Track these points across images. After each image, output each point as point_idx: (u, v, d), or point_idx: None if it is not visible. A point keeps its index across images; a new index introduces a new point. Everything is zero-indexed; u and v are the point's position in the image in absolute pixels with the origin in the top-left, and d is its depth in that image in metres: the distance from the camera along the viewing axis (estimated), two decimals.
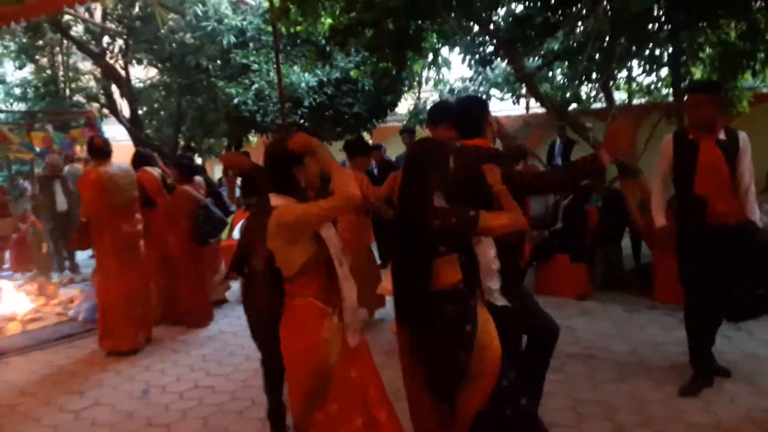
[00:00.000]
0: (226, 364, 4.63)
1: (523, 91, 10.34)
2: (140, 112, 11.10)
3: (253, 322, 3.45)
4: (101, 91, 11.01)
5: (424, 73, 11.60)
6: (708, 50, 8.39)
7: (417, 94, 12.64)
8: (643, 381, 3.83)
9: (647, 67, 8.77)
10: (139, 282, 5.09)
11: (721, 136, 3.51)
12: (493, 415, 2.27)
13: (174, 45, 9.03)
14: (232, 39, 8.67)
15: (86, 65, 11.50)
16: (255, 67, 8.55)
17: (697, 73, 9.20)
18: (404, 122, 11.41)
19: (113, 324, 4.92)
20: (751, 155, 3.52)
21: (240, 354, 4.83)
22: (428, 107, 11.32)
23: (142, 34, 9.39)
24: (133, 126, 10.51)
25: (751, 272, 3.48)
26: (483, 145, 2.78)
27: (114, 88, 10.79)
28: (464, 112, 2.91)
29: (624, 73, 9.69)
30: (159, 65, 10.27)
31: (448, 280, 2.29)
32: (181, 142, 11.08)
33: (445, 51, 9.56)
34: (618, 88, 10.48)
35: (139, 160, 5.67)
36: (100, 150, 4.97)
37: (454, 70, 12.71)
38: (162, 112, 11.28)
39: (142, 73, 11.54)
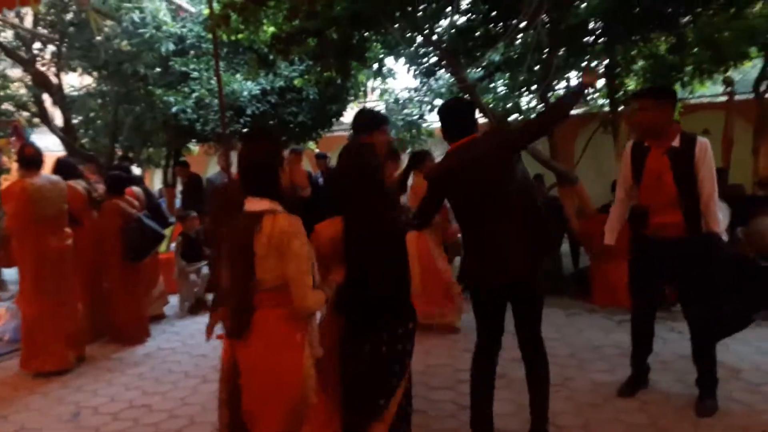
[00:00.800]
0: (163, 381, 4.46)
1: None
2: (75, 121, 10.66)
3: None
4: (32, 99, 10.50)
5: (370, 83, 11.65)
6: (640, 62, 8.77)
7: (363, 104, 12.67)
8: (583, 383, 3.91)
9: None
10: (67, 298, 4.82)
11: (675, 143, 3.36)
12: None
13: (110, 52, 8.71)
14: (171, 46, 8.44)
15: (16, 72, 10.95)
16: (195, 74, 8.35)
17: (631, 84, 9.59)
18: (350, 132, 11.40)
19: (39, 343, 4.65)
20: (711, 160, 3.30)
21: (178, 371, 4.67)
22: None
23: (76, 40, 9.02)
24: (67, 135, 10.07)
25: (714, 289, 3.28)
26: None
27: (46, 96, 10.32)
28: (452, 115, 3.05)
29: (563, 84, 10.01)
30: (94, 73, 9.90)
31: None
32: (119, 152, 10.71)
33: (389, 61, 9.64)
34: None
35: (62, 171, 5.31)
36: (31, 160, 4.72)
37: (399, 80, 12.83)
38: (98, 121, 10.86)
39: (76, 81, 11.09)
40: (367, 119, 3.41)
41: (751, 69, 9.62)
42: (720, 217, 3.30)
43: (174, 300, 6.60)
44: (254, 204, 2.22)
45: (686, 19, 6.51)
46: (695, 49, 7.38)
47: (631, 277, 3.75)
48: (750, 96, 9.05)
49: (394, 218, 2.49)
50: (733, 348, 4.21)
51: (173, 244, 6.83)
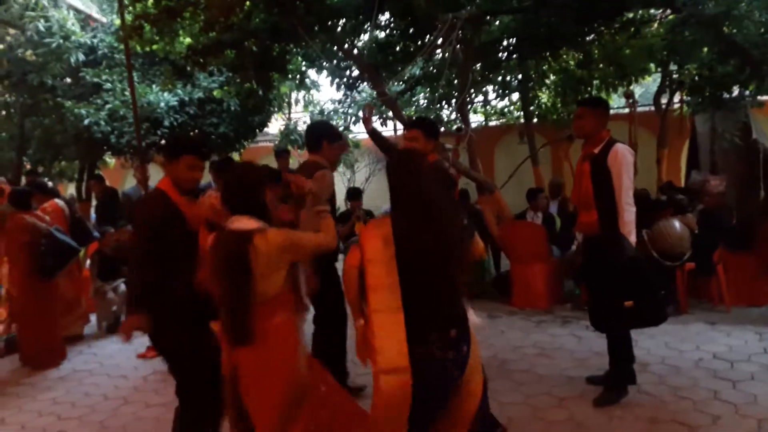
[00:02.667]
0: (80, 405, 4.22)
1: (391, 114, 10.72)
2: None
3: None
4: None
5: (293, 95, 11.64)
6: (552, 77, 9.25)
7: (287, 115, 12.62)
8: (503, 383, 4.03)
9: (500, 91, 9.49)
10: None
11: (596, 150, 3.54)
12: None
13: (13, 62, 8.24)
14: (82, 57, 8.09)
15: None
16: (108, 86, 8.03)
17: (544, 97, 10.11)
18: (276, 142, 11.31)
19: None
20: (626, 168, 3.41)
21: (96, 394, 4.44)
22: (299, 128, 11.35)
23: None
24: None
25: (615, 287, 3.46)
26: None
27: None
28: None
29: (481, 98, 10.39)
30: None
31: None
32: (27, 166, 10.12)
33: (312, 73, 9.68)
34: (475, 112, 11.22)
35: None
36: None
37: (324, 91, 12.88)
38: (2, 134, 10.24)
39: None
40: (315, 135, 3.60)
41: (651, 83, 10.38)
42: (628, 220, 3.41)
43: (94, 319, 6.28)
44: (241, 222, 2.29)
45: (591, 37, 6.94)
46: (601, 65, 7.87)
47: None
48: (651, 108, 9.74)
49: (441, 227, 2.29)
50: (641, 343, 4.49)
51: (88, 262, 6.51)
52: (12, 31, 8.24)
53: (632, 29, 6.88)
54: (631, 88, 8.75)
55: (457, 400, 2.35)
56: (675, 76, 8.51)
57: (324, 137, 3.69)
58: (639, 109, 10.28)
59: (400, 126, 11.81)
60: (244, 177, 2.40)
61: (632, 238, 3.42)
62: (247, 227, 2.27)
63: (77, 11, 8.51)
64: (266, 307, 2.29)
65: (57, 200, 5.83)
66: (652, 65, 8.19)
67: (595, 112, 3.60)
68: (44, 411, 4.17)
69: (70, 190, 12.11)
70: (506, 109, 11.16)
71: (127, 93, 7.62)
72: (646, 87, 11.71)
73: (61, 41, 7.90)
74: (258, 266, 2.22)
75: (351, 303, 2.41)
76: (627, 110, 8.42)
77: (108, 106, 7.88)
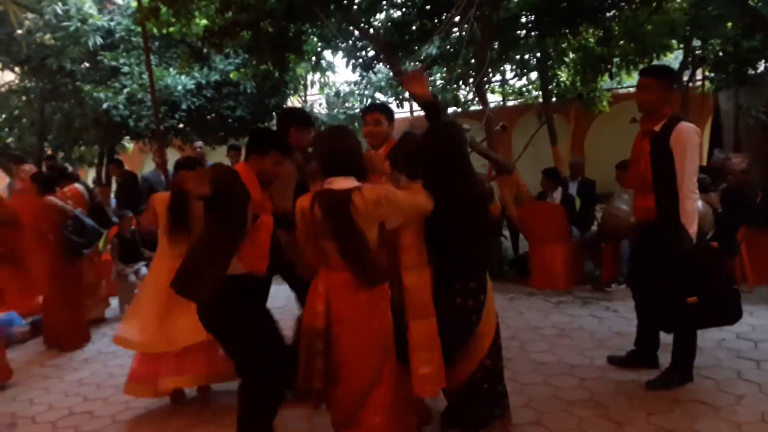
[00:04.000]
0: (105, 386, 4.32)
1: (407, 94, 10.62)
2: None
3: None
4: None
5: (309, 76, 11.58)
6: (571, 55, 9.08)
7: (303, 97, 12.58)
8: (524, 363, 4.04)
9: (518, 70, 9.35)
10: None
11: (657, 127, 3.27)
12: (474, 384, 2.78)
13: (32, 46, 8.28)
14: (99, 40, 8.11)
15: None
16: (126, 69, 8.06)
17: (563, 75, 9.93)
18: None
19: None
20: (690, 150, 3.14)
21: (120, 375, 4.50)
22: (315, 110, 11.33)
23: None
24: None
25: (675, 281, 3.25)
26: None
27: None
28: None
29: (498, 77, 10.25)
30: (16, 68, 9.40)
31: None
32: (48, 151, 10.23)
33: (328, 54, 9.61)
34: (493, 91, 11.08)
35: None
36: None
37: (339, 73, 12.81)
38: (23, 120, 10.33)
39: None
40: (283, 122, 3.54)
41: (673, 60, 10.14)
42: (689, 209, 3.14)
43: (115, 303, 6.39)
44: (340, 183, 2.48)
45: (612, 13, 6.79)
46: (621, 42, 7.70)
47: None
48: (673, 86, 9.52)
49: (473, 189, 2.77)
50: None
51: (109, 246, 6.60)
52: (30, 15, 8.26)
53: (654, 4, 6.69)
54: (655, 63, 8.58)
55: (473, 339, 2.78)
56: (698, 52, 8.31)
57: (292, 124, 3.56)
58: None
59: (416, 107, 11.73)
60: (341, 140, 2.59)
61: (693, 229, 3.13)
62: (346, 186, 2.45)
63: None
64: None
65: (77, 185, 5.92)
66: (674, 41, 7.98)
67: (661, 83, 3.30)
68: (70, 392, 4.27)
69: (91, 174, 12.23)
70: (524, 89, 10.99)
71: (144, 76, 7.64)
72: (667, 64, 11.49)
73: (79, 24, 7.92)
74: (361, 221, 2.41)
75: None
76: None
77: (126, 89, 7.91)
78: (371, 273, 2.47)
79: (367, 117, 3.46)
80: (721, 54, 7.23)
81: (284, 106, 10.46)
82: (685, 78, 9.30)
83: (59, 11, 7.91)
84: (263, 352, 2.79)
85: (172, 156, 7.54)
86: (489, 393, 2.84)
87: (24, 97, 9.94)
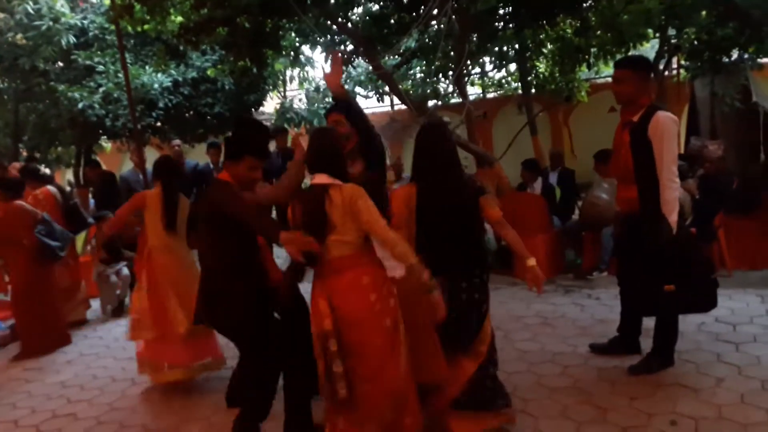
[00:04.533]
0: (89, 388, 4.27)
1: (386, 88, 10.62)
2: None
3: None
4: None
5: (288, 72, 11.51)
6: (549, 46, 9.14)
7: (283, 93, 12.51)
8: (507, 353, 4.06)
9: (497, 62, 9.39)
10: None
11: (636, 117, 3.26)
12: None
13: (4, 47, 8.13)
14: (72, 39, 7.99)
15: None
16: (101, 68, 7.95)
17: (541, 66, 9.99)
18: (272, 121, 11.25)
19: None
20: (668, 139, 3.13)
21: (104, 376, 4.48)
22: (295, 106, 11.27)
23: None
24: None
25: (655, 269, 3.26)
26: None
27: None
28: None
29: (477, 69, 10.28)
30: None
31: None
32: (23, 153, 10.06)
33: (306, 49, 9.55)
34: (473, 84, 11.12)
35: None
36: None
37: (318, 68, 12.76)
38: None
39: None
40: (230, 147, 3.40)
41: (649, 49, 10.25)
42: (669, 198, 3.14)
43: (96, 304, 6.31)
44: (320, 179, 2.57)
45: (588, 3, 6.84)
46: (598, 32, 7.76)
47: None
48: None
49: (462, 185, 2.83)
50: None
51: (89, 247, 6.51)
52: (0, 15, 8.11)
53: None
54: (630, 54, 8.65)
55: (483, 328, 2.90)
56: (673, 41, 8.41)
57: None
58: None
59: (396, 101, 11.74)
60: (327, 139, 2.69)
61: (673, 218, 3.14)
62: (325, 182, 2.55)
63: None
64: (348, 259, 2.53)
65: (49, 187, 5.80)
66: (650, 30, 8.06)
67: (636, 74, 3.29)
68: (53, 394, 4.21)
69: (68, 175, 12.06)
70: (503, 80, 11.04)
71: (120, 75, 7.54)
72: (644, 53, 11.60)
73: (51, 24, 7.79)
74: (336, 216, 2.48)
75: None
76: None
77: (101, 88, 7.81)
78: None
79: (329, 118, 3.36)
80: (696, 42, 7.33)
81: (263, 102, 10.41)
82: (661, 66, 9.41)
83: (30, 10, 7.78)
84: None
85: (151, 155, 7.45)
86: (495, 377, 2.95)
87: None
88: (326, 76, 3.33)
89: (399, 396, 2.57)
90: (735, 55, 7.18)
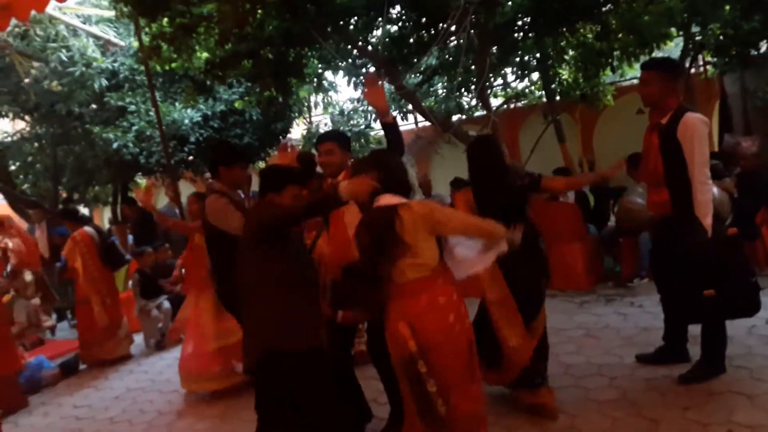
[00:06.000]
0: (137, 422, 4.36)
1: (410, 107, 10.67)
2: (12, 167, 10.31)
3: None
4: None
5: (312, 98, 11.67)
6: (571, 52, 9.07)
7: (308, 119, 12.68)
8: (553, 368, 3.98)
9: (519, 73, 9.36)
10: None
11: (665, 120, 3.24)
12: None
13: (40, 94, 8.46)
14: (104, 82, 8.26)
15: None
16: (132, 108, 8.19)
17: (564, 73, 9.92)
18: (300, 147, 11.41)
19: None
20: (698, 140, 3.10)
21: (151, 410, 4.57)
22: (321, 131, 11.41)
23: (2, 85, 8.72)
24: (5, 184, 9.74)
25: (693, 275, 3.22)
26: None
27: None
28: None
29: (500, 81, 10.27)
30: (26, 116, 9.60)
31: None
32: (63, 195, 10.39)
33: (329, 75, 9.68)
34: (496, 96, 11.09)
35: None
36: None
37: (342, 92, 12.91)
38: (37, 165, 10.52)
39: (8, 127, 10.73)
40: (212, 161, 3.64)
41: (673, 48, 10.09)
42: (702, 201, 3.10)
43: (139, 339, 6.45)
44: (387, 200, 2.56)
45: (608, 7, 6.79)
46: (620, 35, 7.69)
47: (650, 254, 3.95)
48: None
49: (508, 185, 3.32)
50: None
51: (131, 282, 6.67)
52: (36, 63, 8.45)
53: None
54: (654, 55, 8.53)
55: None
56: (698, 38, 8.27)
57: (219, 162, 3.62)
58: None
59: (421, 119, 11.77)
60: (390, 161, 2.75)
61: (708, 221, 3.09)
62: (393, 202, 2.54)
63: (96, 38, 8.68)
64: (435, 274, 2.52)
65: (86, 228, 6.00)
66: (673, 29, 7.95)
67: (662, 76, 3.27)
68: (103, 431, 4.31)
69: (107, 213, 12.40)
70: (527, 89, 10.97)
71: (151, 113, 7.77)
72: (668, 53, 11.42)
73: (84, 69, 8.07)
74: (407, 236, 2.44)
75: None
76: None
77: (134, 127, 8.03)
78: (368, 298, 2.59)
79: (320, 147, 3.34)
80: (721, 38, 7.19)
81: (290, 129, 10.57)
82: (687, 64, 9.25)
83: (64, 58, 8.08)
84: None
85: (185, 189, 7.62)
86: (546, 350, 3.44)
87: (36, 144, 10.13)
88: (369, 99, 3.35)
89: (478, 415, 2.58)
90: (763, 47, 7.02)
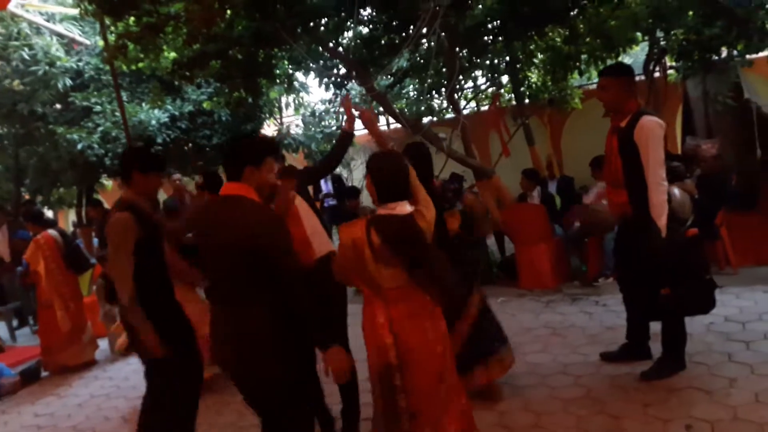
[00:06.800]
0: (101, 430, 4.27)
1: (381, 108, 10.68)
2: None
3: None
4: None
5: (283, 99, 11.61)
6: (540, 56, 9.21)
7: (279, 120, 12.61)
8: (518, 367, 4.01)
9: (489, 76, 9.46)
10: None
11: (623, 123, 3.32)
12: None
13: (2, 93, 8.24)
14: (69, 82, 8.10)
15: None
16: (98, 108, 8.03)
17: (533, 77, 10.06)
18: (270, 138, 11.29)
19: None
20: (653, 143, 3.20)
21: (115, 417, 4.48)
22: (292, 132, 11.36)
23: None
24: None
25: (651, 273, 3.33)
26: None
27: None
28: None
29: (470, 84, 10.36)
30: None
31: None
32: (26, 196, 10.13)
33: (300, 75, 9.64)
34: (466, 98, 11.19)
35: None
36: None
37: (313, 93, 12.86)
38: None
39: None
40: (125, 166, 3.11)
41: (639, 52, 10.31)
42: (656, 202, 3.19)
43: (104, 344, 6.31)
44: (399, 208, 2.43)
45: (576, 11, 6.91)
46: (588, 39, 7.82)
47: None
48: (641, 77, 9.67)
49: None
50: None
51: (94, 286, 6.53)
52: None
53: (615, 0, 6.84)
54: (620, 59, 8.69)
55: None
56: (662, 43, 8.46)
57: (134, 167, 3.03)
58: None
59: (392, 120, 11.81)
60: (395, 164, 2.51)
61: (662, 221, 3.17)
62: (407, 211, 2.43)
63: (60, 36, 8.50)
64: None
65: (50, 231, 5.85)
66: (638, 34, 8.13)
67: (619, 81, 3.37)
68: None
69: (71, 216, 12.13)
70: (493, 92, 11.10)
71: (117, 114, 7.63)
72: (634, 57, 11.67)
73: (47, 68, 7.90)
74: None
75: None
76: None
77: (100, 128, 7.88)
78: (452, 294, 2.43)
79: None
80: (684, 43, 7.36)
81: (260, 130, 10.49)
82: (652, 68, 9.46)
83: (26, 56, 7.89)
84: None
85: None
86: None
87: None
88: (349, 111, 3.45)
89: (441, 417, 2.48)
90: (724, 53, 7.22)
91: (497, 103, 7.02)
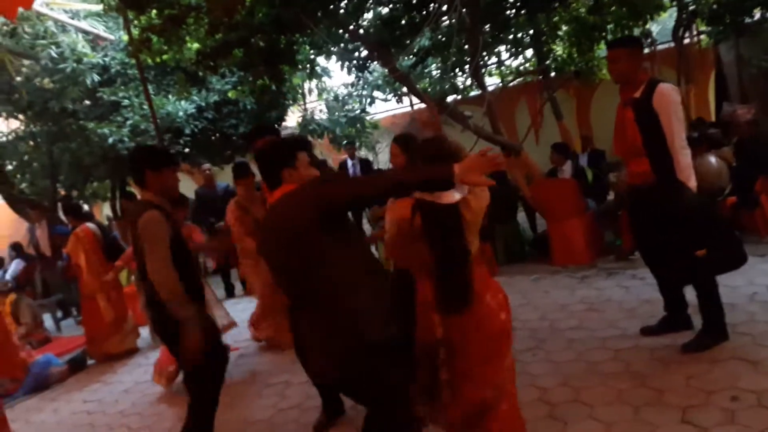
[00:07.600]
0: (146, 415, 4.39)
1: (404, 89, 10.61)
2: (9, 167, 10.28)
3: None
4: None
5: (306, 85, 11.62)
6: (564, 27, 9.01)
7: (303, 106, 12.64)
8: (555, 343, 4.03)
9: (513, 50, 9.30)
10: None
11: (637, 94, 3.36)
12: None
13: (33, 92, 8.42)
14: (96, 77, 8.22)
15: None
16: (126, 102, 8.16)
17: (558, 49, 9.86)
18: (296, 134, 11.36)
19: None
20: (673, 107, 3.24)
21: (160, 403, 4.60)
22: (316, 117, 11.38)
23: None
24: (3, 184, 9.73)
25: (672, 239, 3.32)
26: None
27: None
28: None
29: (494, 59, 10.21)
30: (20, 115, 9.56)
31: None
32: (61, 192, 10.37)
33: (322, 60, 9.63)
34: (490, 74, 11.04)
35: None
36: None
37: (335, 77, 12.83)
38: (34, 164, 10.47)
39: (3, 126, 10.68)
40: (136, 166, 2.95)
41: (667, 19, 10.02)
42: (684, 164, 3.23)
43: (145, 333, 6.47)
44: (445, 196, 2.26)
45: None
46: (613, 8, 7.63)
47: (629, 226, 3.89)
48: (671, 44, 9.40)
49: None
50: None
51: (134, 276, 6.68)
52: (26, 61, 8.40)
53: None
54: (648, 26, 8.46)
55: None
56: (691, 7, 8.20)
57: (145, 166, 2.88)
58: (659, 47, 9.97)
59: (416, 101, 11.73)
60: (445, 150, 2.43)
61: (692, 183, 3.23)
62: (454, 200, 2.27)
63: (85, 33, 8.62)
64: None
65: (88, 224, 6.01)
66: (665, 0, 7.90)
67: (629, 52, 3.39)
68: (114, 424, 4.35)
69: (106, 210, 12.39)
70: (522, 67, 10.92)
71: (145, 107, 7.73)
72: (662, 24, 11.34)
73: (75, 65, 8.02)
74: (468, 234, 2.36)
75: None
76: (647, 50, 8.18)
77: (129, 122, 8.01)
78: (460, 295, 2.33)
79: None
80: (715, 6, 7.13)
81: (285, 117, 10.53)
82: (681, 34, 9.19)
83: (54, 54, 8.03)
84: None
85: (183, 180, 7.60)
86: None
87: (31, 142, 10.08)
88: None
89: (485, 403, 2.42)
90: (757, 15, 6.97)
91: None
